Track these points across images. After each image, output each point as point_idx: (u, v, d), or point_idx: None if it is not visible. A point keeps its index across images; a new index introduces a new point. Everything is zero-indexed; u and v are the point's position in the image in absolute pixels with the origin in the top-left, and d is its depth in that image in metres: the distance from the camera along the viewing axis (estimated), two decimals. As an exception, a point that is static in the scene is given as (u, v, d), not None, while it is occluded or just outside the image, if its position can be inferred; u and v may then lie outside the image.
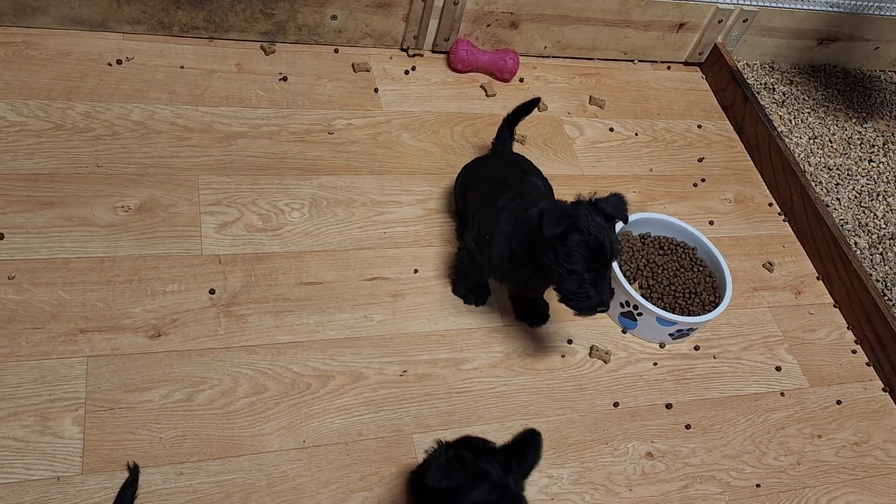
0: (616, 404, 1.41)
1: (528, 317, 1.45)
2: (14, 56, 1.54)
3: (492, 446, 1.01)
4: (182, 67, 1.64)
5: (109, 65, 1.59)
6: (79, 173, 1.42)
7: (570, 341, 1.47)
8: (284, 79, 1.70)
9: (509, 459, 0.95)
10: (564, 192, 1.49)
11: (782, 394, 1.51)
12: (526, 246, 1.23)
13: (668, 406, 1.43)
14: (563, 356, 1.45)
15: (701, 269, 1.58)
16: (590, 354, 1.46)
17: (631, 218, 1.55)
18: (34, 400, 1.16)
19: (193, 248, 1.38)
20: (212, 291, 1.34)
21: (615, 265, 1.48)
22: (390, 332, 1.38)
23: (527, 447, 0.96)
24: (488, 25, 1.86)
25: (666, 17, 1.97)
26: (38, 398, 1.16)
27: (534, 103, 1.54)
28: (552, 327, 1.48)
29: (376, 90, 1.75)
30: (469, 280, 1.44)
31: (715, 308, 1.50)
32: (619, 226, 1.45)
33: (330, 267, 1.44)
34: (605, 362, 1.46)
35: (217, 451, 1.18)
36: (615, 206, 1.20)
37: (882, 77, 2.29)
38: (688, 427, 1.42)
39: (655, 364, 1.49)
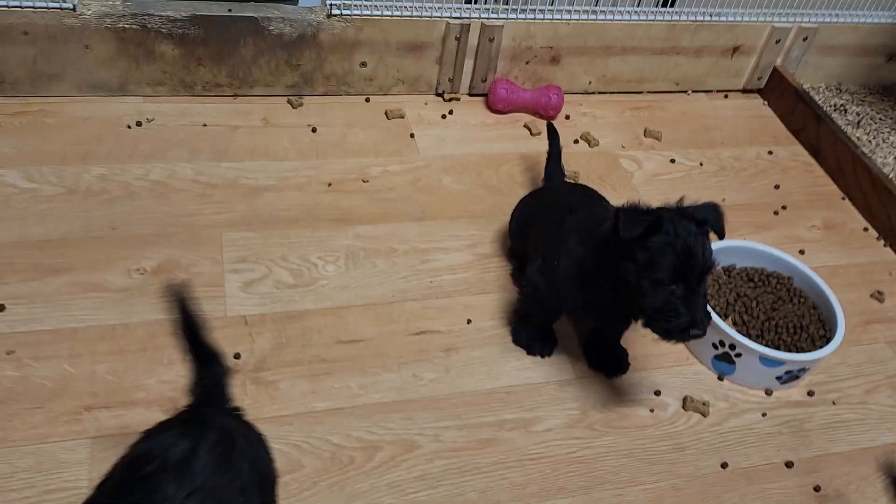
0: (725, 465, 1.16)
1: (604, 365, 1.23)
2: (29, 125, 1.45)
3: None
4: (205, 125, 1.54)
5: (129, 127, 1.49)
6: (92, 237, 1.29)
7: (657, 392, 1.24)
8: (314, 130, 1.58)
9: None
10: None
11: (926, 443, 1.24)
12: (600, 262, 1.03)
13: (789, 465, 1.17)
14: (651, 410, 1.21)
15: (802, 299, 1.35)
16: (683, 407, 1.23)
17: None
18: (27, 492, 0.97)
19: (216, 309, 1.22)
20: (237, 356, 1.16)
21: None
22: (445, 391, 1.18)
23: None
24: (527, 63, 1.73)
25: (718, 42, 1.82)
26: (32, 490, 0.97)
27: (554, 133, 1.44)
28: (634, 377, 1.25)
29: (412, 136, 1.62)
30: (533, 326, 1.23)
31: (828, 343, 1.26)
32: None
33: (371, 322, 1.25)
34: (704, 415, 1.22)
35: (245, 544, 0.96)
36: (709, 214, 1.00)
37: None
38: (817, 489, 1.15)
39: (765, 415, 1.24)
